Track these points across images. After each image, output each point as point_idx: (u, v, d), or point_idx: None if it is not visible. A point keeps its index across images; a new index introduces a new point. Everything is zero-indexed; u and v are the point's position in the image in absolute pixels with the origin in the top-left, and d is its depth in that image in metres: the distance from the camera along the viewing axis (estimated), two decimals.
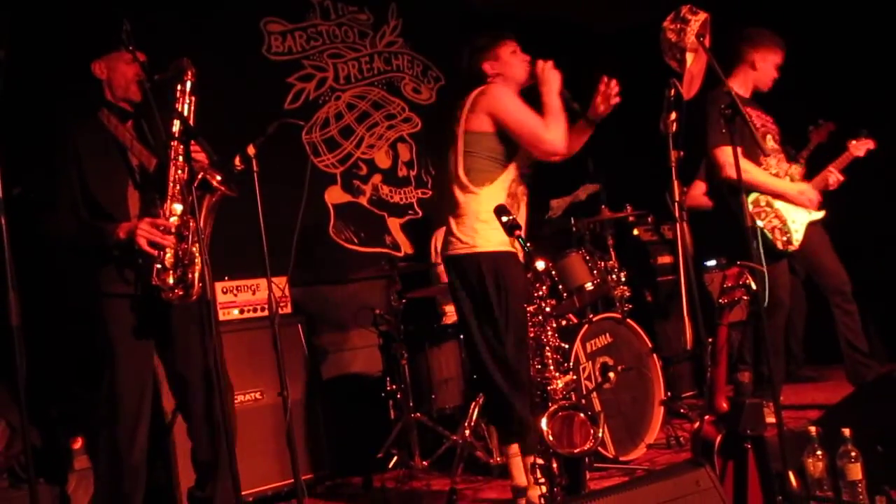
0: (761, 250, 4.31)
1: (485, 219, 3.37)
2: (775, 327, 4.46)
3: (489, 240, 3.40)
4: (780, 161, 4.59)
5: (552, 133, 3.40)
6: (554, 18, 6.92)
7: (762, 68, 4.52)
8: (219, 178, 3.12)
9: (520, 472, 3.39)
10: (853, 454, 2.81)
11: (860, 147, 4.62)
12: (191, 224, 3.13)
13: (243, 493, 3.94)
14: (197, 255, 3.09)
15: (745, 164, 4.33)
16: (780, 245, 4.38)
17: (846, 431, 2.82)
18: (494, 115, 3.46)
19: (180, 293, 3.13)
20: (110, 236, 3.09)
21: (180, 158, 3.14)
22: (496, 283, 3.36)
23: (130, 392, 3.17)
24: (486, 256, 3.40)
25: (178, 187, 3.16)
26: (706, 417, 2.58)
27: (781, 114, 4.67)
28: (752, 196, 4.43)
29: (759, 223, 4.39)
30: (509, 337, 3.33)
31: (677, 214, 2.73)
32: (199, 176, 3.06)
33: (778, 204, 4.47)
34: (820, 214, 4.57)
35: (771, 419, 2.95)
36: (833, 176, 4.58)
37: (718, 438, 2.51)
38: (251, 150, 3.19)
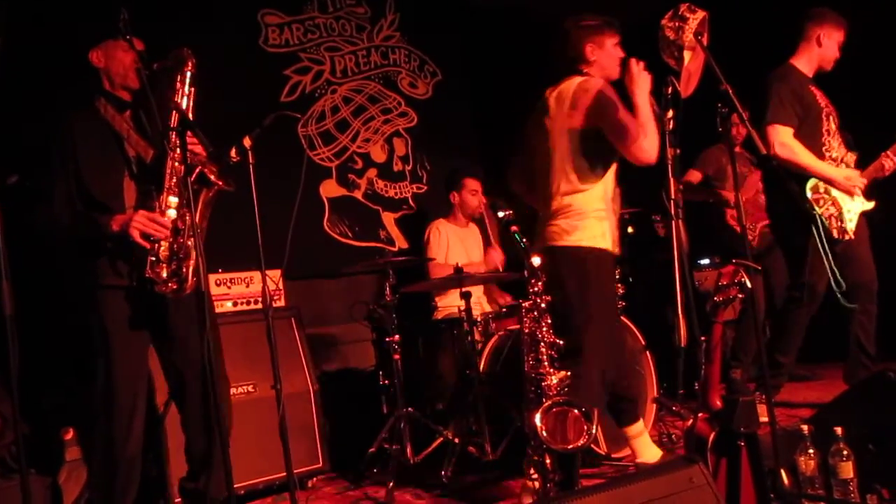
0: (823, 237, 4.25)
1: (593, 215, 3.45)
2: (803, 319, 4.44)
3: (594, 235, 3.45)
4: (840, 145, 4.50)
5: (649, 140, 3.33)
6: (558, 17, 6.91)
7: (827, 45, 4.46)
8: (217, 172, 3.10)
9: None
10: (845, 452, 2.83)
11: None
12: (187, 218, 3.11)
13: (236, 485, 3.92)
14: (192, 249, 3.08)
15: (796, 146, 4.30)
16: (835, 233, 4.29)
17: (838, 430, 2.84)
18: (596, 114, 3.42)
19: (174, 287, 3.12)
20: (104, 228, 3.08)
21: (178, 150, 3.12)
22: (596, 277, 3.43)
23: (126, 384, 3.16)
24: (589, 250, 3.44)
25: (174, 180, 3.15)
26: (700, 415, 2.59)
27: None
28: (812, 182, 4.33)
29: (818, 210, 4.30)
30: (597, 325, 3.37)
31: (672, 212, 2.73)
32: (197, 170, 3.05)
33: (835, 192, 4.37)
34: (870, 205, 4.50)
35: (764, 417, 2.96)
36: (889, 161, 4.48)
37: (712, 436, 2.51)
38: (247, 143, 3.17)
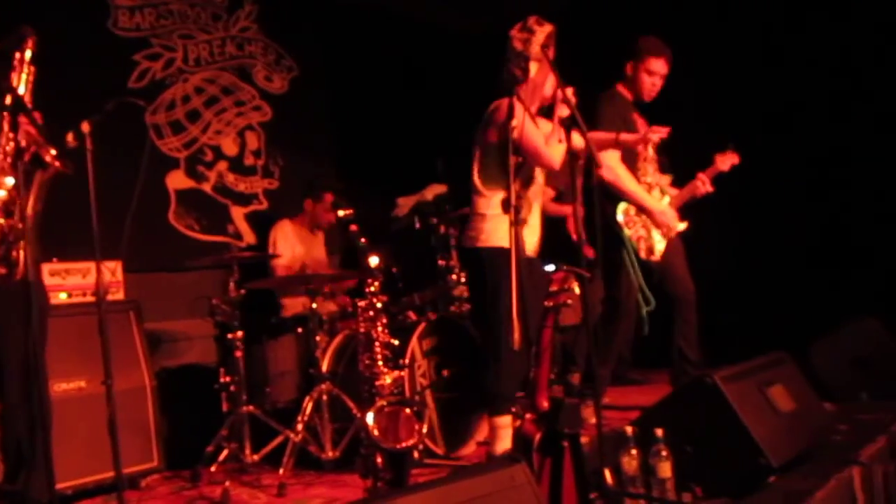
0: (634, 259, 4.50)
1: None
2: (615, 332, 4.64)
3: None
4: (654, 170, 4.74)
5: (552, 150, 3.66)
6: (409, 16, 6.99)
7: (644, 79, 4.65)
8: (53, 153, 2.97)
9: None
10: (664, 453, 2.98)
11: (725, 161, 4.79)
12: (19, 200, 2.97)
13: (63, 485, 3.78)
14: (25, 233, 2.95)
15: (621, 170, 4.50)
16: (643, 254, 4.53)
17: (659, 432, 2.99)
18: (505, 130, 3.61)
19: (3, 272, 2.99)
20: None
21: (10, 131, 2.97)
22: None
23: None
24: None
25: (8, 160, 3.00)
26: (527, 416, 2.68)
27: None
28: (623, 205, 4.56)
29: (627, 231, 4.52)
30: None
31: (513, 218, 2.82)
32: (31, 150, 2.92)
33: (646, 215, 4.61)
34: (682, 226, 4.76)
35: (593, 419, 3.09)
36: (703, 185, 4.74)
37: (538, 436, 2.60)
38: (86, 128, 3.07)
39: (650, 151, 4.71)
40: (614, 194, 4.52)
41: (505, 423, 3.81)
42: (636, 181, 4.60)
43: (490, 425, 3.86)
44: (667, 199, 4.73)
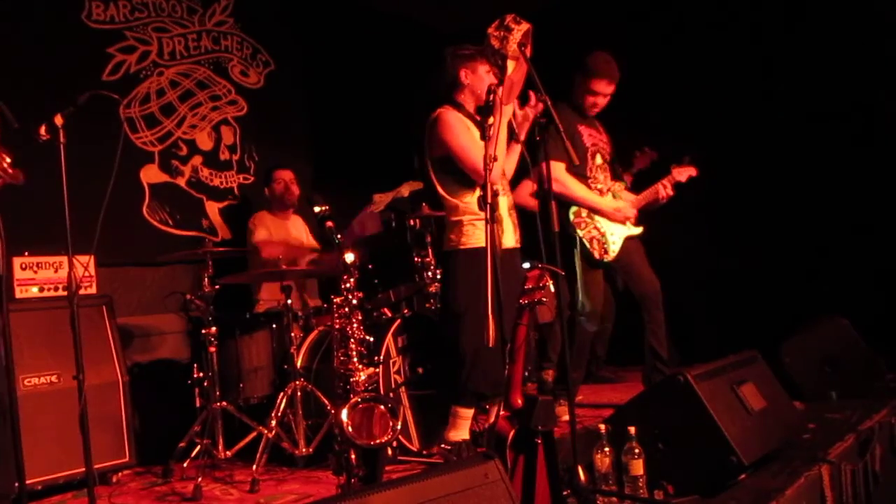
0: (578, 257, 4.59)
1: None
2: (583, 331, 4.68)
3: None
4: (606, 178, 4.85)
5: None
6: (386, 12, 6.98)
7: (588, 96, 4.75)
8: (8, 161, 2.95)
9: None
10: (636, 451, 3.01)
11: (682, 173, 4.88)
12: None
13: (32, 480, 3.75)
14: None
15: (568, 179, 4.60)
16: (596, 255, 4.62)
17: (631, 429, 3.02)
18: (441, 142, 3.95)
19: None
20: None
21: None
22: None
23: None
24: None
25: None
26: (501, 413, 2.69)
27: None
28: (574, 208, 4.66)
29: (579, 232, 4.62)
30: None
31: (487, 216, 2.82)
32: None
33: (598, 217, 4.71)
34: (638, 230, 4.83)
35: (566, 416, 3.10)
36: (664, 189, 4.82)
37: (511, 433, 2.61)
38: (58, 121, 3.06)
39: (598, 160, 4.83)
40: (567, 201, 4.63)
41: (466, 415, 3.93)
42: (587, 188, 4.71)
43: (451, 412, 3.93)
44: (621, 203, 4.80)
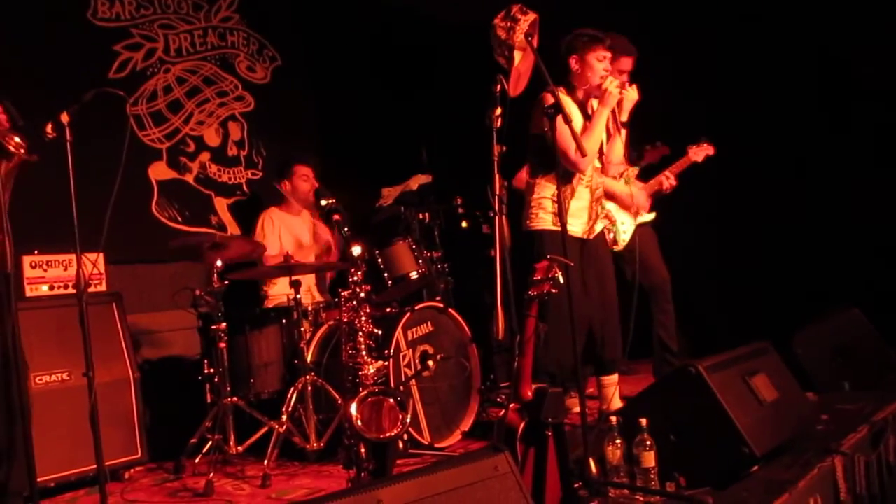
0: None
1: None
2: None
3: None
4: (621, 162, 4.77)
5: (585, 153, 3.89)
6: (393, 5, 6.95)
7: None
8: (17, 140, 2.94)
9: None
10: (648, 443, 2.98)
11: (699, 153, 4.85)
12: None
13: (45, 477, 3.76)
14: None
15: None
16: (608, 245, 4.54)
17: (643, 421, 3.00)
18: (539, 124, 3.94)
19: None
20: None
21: None
22: None
23: None
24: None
25: None
26: (511, 405, 2.68)
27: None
28: None
29: None
30: None
31: (496, 207, 2.81)
32: None
33: (609, 205, 4.64)
34: (650, 217, 4.80)
35: (577, 409, 3.09)
36: (667, 180, 4.80)
37: (521, 426, 2.60)
38: (65, 118, 3.06)
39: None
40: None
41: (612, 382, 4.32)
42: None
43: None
44: (634, 190, 4.77)
